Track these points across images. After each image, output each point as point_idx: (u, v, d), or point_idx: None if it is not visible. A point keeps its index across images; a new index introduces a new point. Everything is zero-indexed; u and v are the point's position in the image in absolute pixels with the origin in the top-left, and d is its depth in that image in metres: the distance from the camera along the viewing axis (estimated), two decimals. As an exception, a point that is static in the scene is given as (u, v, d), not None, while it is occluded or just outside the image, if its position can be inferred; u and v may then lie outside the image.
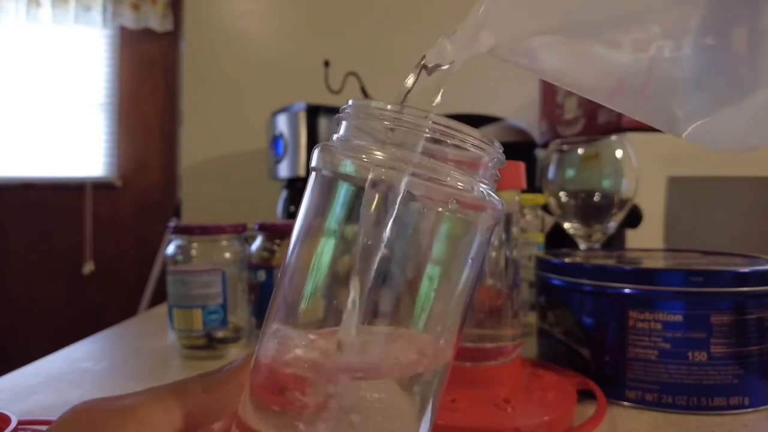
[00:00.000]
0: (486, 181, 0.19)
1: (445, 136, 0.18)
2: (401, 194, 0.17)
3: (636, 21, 0.19)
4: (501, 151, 0.19)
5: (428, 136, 0.18)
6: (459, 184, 0.18)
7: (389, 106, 0.18)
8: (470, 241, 0.19)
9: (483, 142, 0.19)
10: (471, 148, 0.18)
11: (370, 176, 0.17)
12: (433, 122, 0.18)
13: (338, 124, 0.20)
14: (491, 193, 0.19)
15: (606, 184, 0.59)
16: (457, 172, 0.18)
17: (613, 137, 0.59)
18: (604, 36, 0.20)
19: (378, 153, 0.18)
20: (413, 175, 0.17)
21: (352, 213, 0.18)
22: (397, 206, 0.17)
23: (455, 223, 0.19)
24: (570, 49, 0.21)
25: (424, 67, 0.20)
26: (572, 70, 0.22)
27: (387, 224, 0.17)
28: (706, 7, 0.18)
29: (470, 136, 0.18)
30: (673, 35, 0.19)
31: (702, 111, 0.20)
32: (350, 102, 0.19)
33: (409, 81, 0.20)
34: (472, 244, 0.19)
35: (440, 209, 0.18)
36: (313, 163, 0.20)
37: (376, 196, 0.17)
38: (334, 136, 0.20)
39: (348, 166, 0.18)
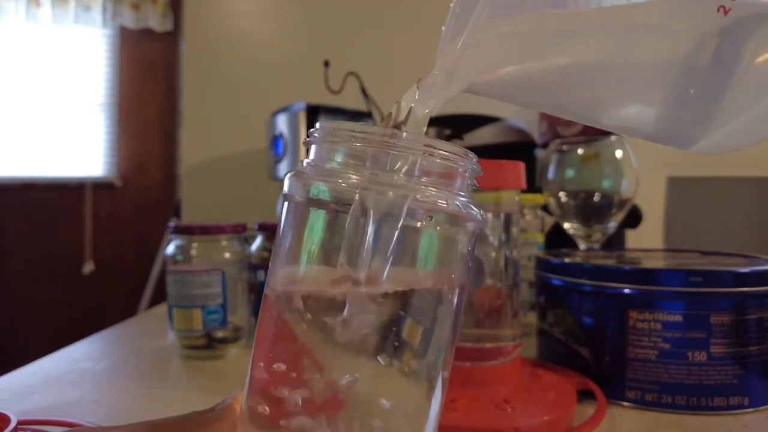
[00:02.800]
0: (463, 193, 0.19)
1: (419, 152, 0.18)
2: (401, 216, 0.17)
3: (608, 82, 0.21)
4: (475, 160, 0.19)
5: (401, 154, 0.18)
6: (436, 200, 0.18)
7: (358, 127, 0.18)
8: (453, 253, 0.19)
9: (456, 154, 0.19)
10: (445, 162, 0.18)
11: (356, 199, 0.17)
12: (405, 139, 0.18)
13: (308, 148, 0.20)
14: (469, 204, 0.19)
15: (606, 184, 0.59)
16: (434, 187, 0.18)
17: (613, 137, 0.59)
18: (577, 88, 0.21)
19: (353, 176, 0.18)
20: (390, 195, 0.17)
21: (331, 237, 0.18)
22: (394, 227, 0.17)
23: (435, 237, 0.19)
24: (541, 94, 0.21)
25: (397, 125, 0.20)
26: (548, 109, 0.23)
27: (389, 244, 0.17)
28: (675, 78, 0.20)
29: (443, 150, 0.18)
30: (647, 102, 0.21)
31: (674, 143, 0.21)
32: (318, 125, 0.19)
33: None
34: (455, 257, 0.19)
35: (419, 225, 0.18)
36: (286, 190, 0.19)
37: (361, 219, 0.17)
38: (305, 161, 0.20)
39: (323, 191, 0.18)
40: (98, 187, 2.43)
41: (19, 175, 2.36)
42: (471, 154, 0.19)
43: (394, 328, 0.18)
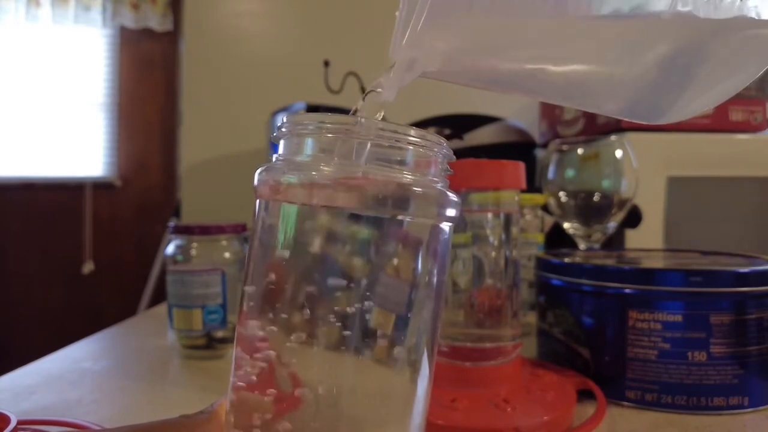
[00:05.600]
0: (437, 179, 0.19)
1: (386, 139, 0.18)
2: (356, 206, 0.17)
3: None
4: (446, 144, 0.19)
5: (368, 141, 0.18)
6: (411, 186, 0.18)
7: (324, 118, 0.18)
8: (430, 240, 0.19)
9: (425, 139, 0.18)
10: (414, 148, 0.18)
11: (321, 192, 0.17)
12: (371, 128, 0.18)
13: (277, 144, 0.19)
14: (444, 190, 0.19)
15: (605, 184, 0.59)
16: (407, 174, 0.18)
17: (613, 137, 0.59)
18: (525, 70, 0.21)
19: (324, 168, 0.17)
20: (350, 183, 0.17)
21: (304, 231, 0.18)
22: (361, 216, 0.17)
23: (413, 225, 0.19)
24: (500, 84, 0.22)
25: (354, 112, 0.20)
26: (507, 92, 0.23)
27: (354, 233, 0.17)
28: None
29: (410, 136, 0.18)
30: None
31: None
32: (285, 119, 0.19)
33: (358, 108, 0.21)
34: (431, 244, 0.19)
35: (395, 213, 0.18)
36: (257, 186, 0.19)
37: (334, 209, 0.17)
38: (275, 157, 0.19)
39: (294, 185, 0.18)
40: (98, 187, 2.43)
41: (19, 175, 2.36)
42: (441, 139, 0.19)
43: (364, 319, 0.18)
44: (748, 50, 0.19)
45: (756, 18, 0.18)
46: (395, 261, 0.19)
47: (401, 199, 0.17)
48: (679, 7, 0.18)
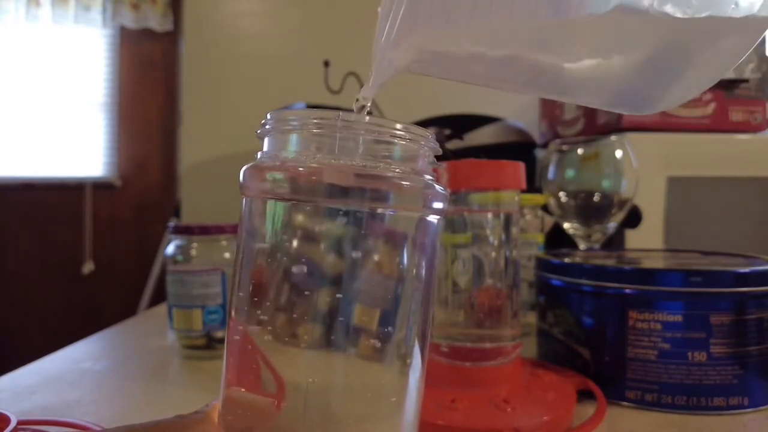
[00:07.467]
0: (423, 172, 0.19)
1: (371, 132, 0.18)
2: (345, 197, 0.17)
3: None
4: (431, 137, 0.19)
5: (353, 136, 0.17)
6: (399, 180, 0.18)
7: (308, 113, 0.18)
8: (416, 234, 0.19)
9: (411, 132, 0.18)
10: (399, 141, 0.18)
11: (307, 185, 0.17)
12: (355, 122, 0.17)
13: (262, 141, 0.19)
14: (432, 183, 0.19)
15: (605, 184, 0.59)
16: (392, 167, 0.18)
17: (613, 137, 0.59)
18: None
19: (309, 163, 0.17)
20: (349, 177, 0.17)
21: (292, 228, 0.18)
22: (348, 210, 0.17)
23: (401, 218, 0.18)
24: (477, 76, 0.22)
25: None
26: (484, 85, 0.24)
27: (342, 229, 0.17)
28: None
29: (393, 129, 0.18)
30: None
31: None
32: (269, 116, 0.19)
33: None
34: (417, 237, 0.19)
35: (382, 207, 0.18)
36: (242, 183, 0.19)
37: (321, 204, 0.17)
38: (259, 154, 0.19)
39: (279, 180, 0.18)
40: (98, 187, 2.43)
41: (19, 175, 2.36)
42: (426, 132, 0.19)
43: (350, 316, 0.18)
44: (723, 48, 0.20)
45: (732, 17, 0.18)
46: (377, 256, 0.18)
47: (382, 191, 0.17)
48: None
